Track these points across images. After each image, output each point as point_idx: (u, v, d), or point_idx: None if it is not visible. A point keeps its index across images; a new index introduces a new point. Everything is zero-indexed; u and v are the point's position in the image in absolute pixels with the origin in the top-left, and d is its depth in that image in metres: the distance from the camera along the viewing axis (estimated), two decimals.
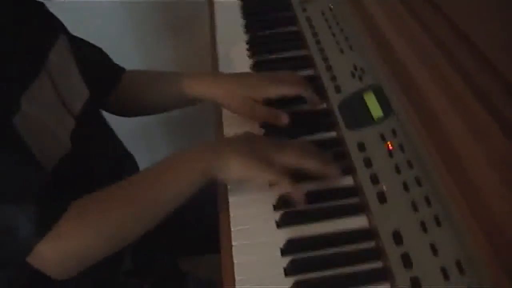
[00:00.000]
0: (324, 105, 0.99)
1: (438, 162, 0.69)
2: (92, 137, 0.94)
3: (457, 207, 0.64)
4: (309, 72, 1.07)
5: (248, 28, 1.25)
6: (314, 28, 1.14)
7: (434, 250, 0.66)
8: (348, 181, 0.83)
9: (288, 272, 0.71)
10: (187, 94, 0.99)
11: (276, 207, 0.78)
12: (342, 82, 0.96)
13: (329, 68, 1.01)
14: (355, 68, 0.97)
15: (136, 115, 1.14)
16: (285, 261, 0.72)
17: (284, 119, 0.93)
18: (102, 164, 0.94)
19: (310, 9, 1.20)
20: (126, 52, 1.49)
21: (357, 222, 0.77)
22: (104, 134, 1.02)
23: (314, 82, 1.03)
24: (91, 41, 1.06)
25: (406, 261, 0.66)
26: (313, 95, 0.96)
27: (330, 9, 1.16)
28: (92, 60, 1.02)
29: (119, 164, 1.01)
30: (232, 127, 0.96)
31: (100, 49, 1.07)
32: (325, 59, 1.04)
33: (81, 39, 1.03)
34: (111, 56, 1.08)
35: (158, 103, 1.05)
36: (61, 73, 0.85)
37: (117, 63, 1.08)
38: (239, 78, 0.99)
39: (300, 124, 0.94)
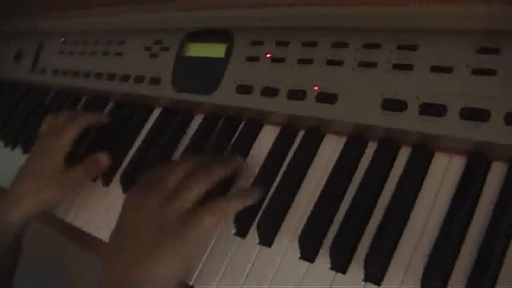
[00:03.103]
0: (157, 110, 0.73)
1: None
2: None
3: None
4: (109, 106, 0.81)
5: None
6: (68, 73, 0.87)
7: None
8: (273, 132, 0.59)
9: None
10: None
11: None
12: (154, 71, 0.72)
13: (125, 78, 0.76)
14: (149, 49, 0.74)
15: None
16: None
17: (102, 158, 0.69)
18: None
19: (47, 65, 0.92)
20: None
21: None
22: None
23: (125, 107, 0.77)
24: None
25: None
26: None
27: (63, 42, 0.90)
28: None
29: None
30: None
31: None
32: (112, 76, 0.78)
33: None
34: None
35: None
36: None
37: None
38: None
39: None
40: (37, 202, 0.67)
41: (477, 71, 0.45)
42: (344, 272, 0.46)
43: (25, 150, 0.87)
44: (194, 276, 0.53)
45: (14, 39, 1.03)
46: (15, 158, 0.87)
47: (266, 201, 0.54)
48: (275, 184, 0.55)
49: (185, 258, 0.49)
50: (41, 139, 0.71)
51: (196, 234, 0.49)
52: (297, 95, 0.55)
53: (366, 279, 0.44)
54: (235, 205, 0.52)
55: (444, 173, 0.47)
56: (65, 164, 0.67)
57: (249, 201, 0.53)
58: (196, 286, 0.53)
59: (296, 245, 0.48)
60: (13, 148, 0.90)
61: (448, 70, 0.46)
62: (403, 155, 0.49)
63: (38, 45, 0.95)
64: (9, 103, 1.00)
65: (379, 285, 0.44)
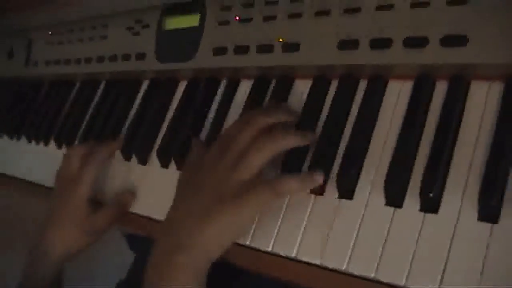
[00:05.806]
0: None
1: None
2: None
3: None
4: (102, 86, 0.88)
5: None
6: (60, 62, 0.93)
7: None
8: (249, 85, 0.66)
9: None
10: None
11: None
12: (138, 47, 0.79)
13: (112, 58, 0.83)
14: (132, 28, 0.80)
15: None
16: None
17: (125, 197, 0.70)
18: None
19: (39, 57, 0.99)
20: None
21: None
22: None
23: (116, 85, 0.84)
24: None
25: None
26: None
27: (52, 34, 0.96)
28: None
29: None
30: None
31: None
32: (101, 58, 0.85)
33: None
34: None
35: None
36: None
37: None
38: None
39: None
40: (66, 252, 0.69)
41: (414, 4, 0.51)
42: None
43: (29, 139, 0.94)
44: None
45: (2, 39, 1.09)
46: (23, 148, 0.95)
47: None
48: None
49: (239, 228, 0.52)
50: (60, 187, 0.72)
51: (252, 206, 0.51)
52: (265, 49, 0.62)
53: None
54: (297, 184, 0.52)
55: (397, 98, 0.54)
56: (88, 206, 0.69)
57: (312, 183, 0.52)
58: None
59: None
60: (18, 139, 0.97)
61: (389, 7, 0.53)
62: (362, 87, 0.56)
63: (28, 41, 1.01)
64: (8, 98, 1.06)
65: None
